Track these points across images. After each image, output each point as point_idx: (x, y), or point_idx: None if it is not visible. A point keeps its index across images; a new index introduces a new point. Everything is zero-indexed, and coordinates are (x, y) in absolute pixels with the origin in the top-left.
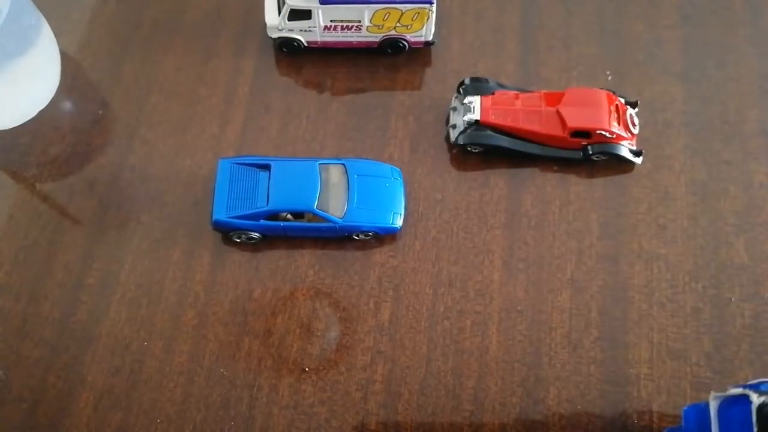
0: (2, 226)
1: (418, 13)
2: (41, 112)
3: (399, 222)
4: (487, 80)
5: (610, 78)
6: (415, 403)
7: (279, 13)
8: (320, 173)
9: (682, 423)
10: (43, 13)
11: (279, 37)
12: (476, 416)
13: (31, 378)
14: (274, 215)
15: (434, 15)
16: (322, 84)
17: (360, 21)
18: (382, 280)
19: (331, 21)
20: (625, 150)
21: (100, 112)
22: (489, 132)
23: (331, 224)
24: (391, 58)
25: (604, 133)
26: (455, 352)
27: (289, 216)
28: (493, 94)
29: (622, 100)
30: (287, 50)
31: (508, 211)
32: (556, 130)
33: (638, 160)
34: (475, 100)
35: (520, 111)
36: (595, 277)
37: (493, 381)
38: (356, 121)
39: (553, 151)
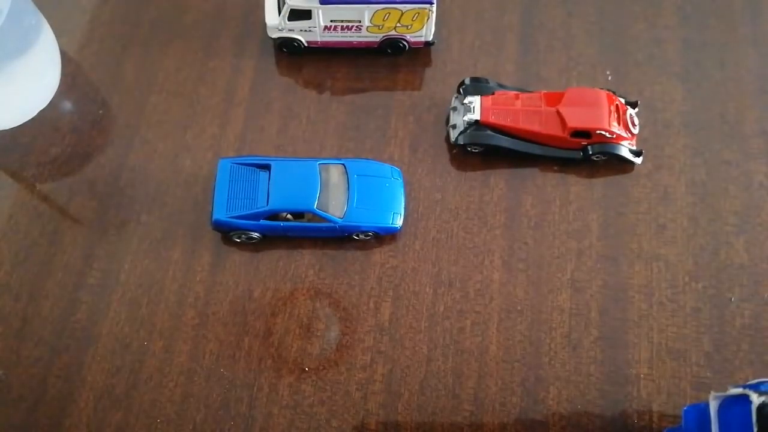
0: (2, 226)
1: (418, 13)
2: (41, 112)
3: (399, 222)
4: (487, 80)
5: (610, 78)
6: (415, 403)
7: (279, 13)
8: (320, 173)
9: (682, 423)
10: (43, 13)
11: (279, 37)
12: (476, 416)
13: (31, 378)
14: (274, 215)
15: (434, 15)
16: (322, 84)
17: (360, 21)
18: (382, 280)
19: (331, 21)
20: (625, 150)
21: (100, 112)
22: (489, 132)
23: (331, 224)
24: (391, 58)
25: (604, 133)
26: (455, 352)
27: (289, 216)
28: (493, 94)
29: (622, 100)
30: (287, 50)
31: (508, 211)
32: (556, 130)
33: (638, 160)
34: (475, 100)
35: (520, 111)
36: (594, 277)
37: (493, 381)
38: (356, 121)
39: (553, 151)
